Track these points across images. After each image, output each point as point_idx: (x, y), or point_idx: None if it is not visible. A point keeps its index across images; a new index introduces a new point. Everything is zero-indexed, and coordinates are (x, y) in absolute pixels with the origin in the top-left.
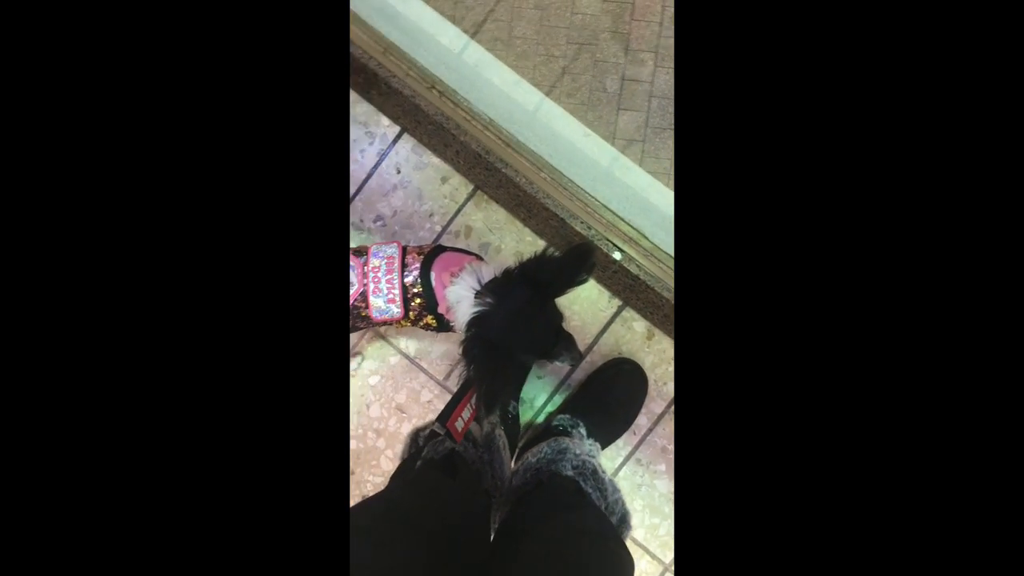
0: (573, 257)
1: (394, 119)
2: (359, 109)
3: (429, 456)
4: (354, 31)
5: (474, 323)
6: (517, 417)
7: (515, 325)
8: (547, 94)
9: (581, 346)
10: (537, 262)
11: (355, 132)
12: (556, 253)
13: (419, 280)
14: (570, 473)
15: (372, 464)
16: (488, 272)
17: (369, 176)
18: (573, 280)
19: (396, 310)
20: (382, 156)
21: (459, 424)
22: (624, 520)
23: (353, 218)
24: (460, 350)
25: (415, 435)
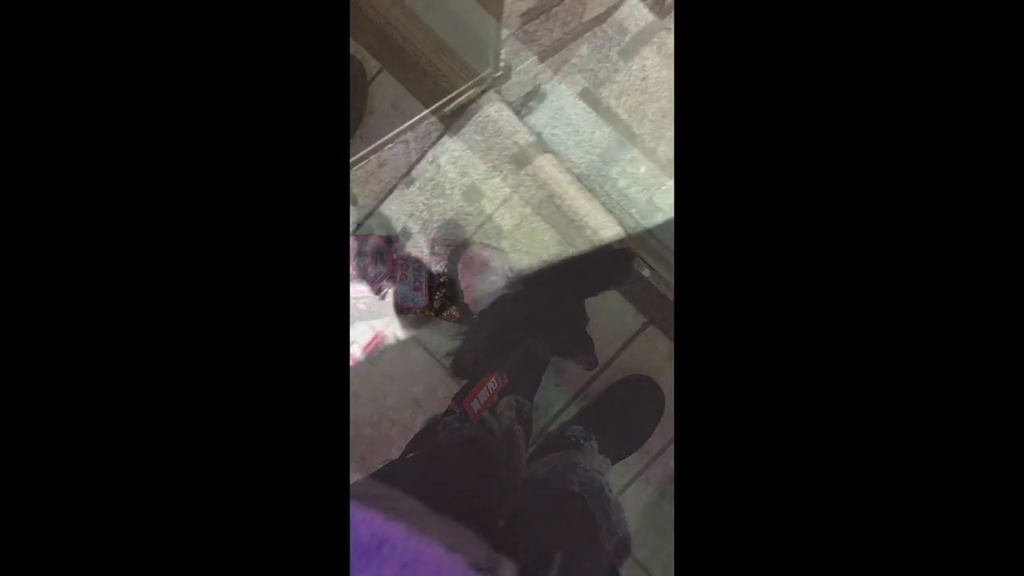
0: (612, 260)
1: None
2: None
3: (446, 438)
4: None
5: (499, 302)
6: (531, 420)
7: (540, 312)
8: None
9: (601, 358)
10: (575, 261)
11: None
12: (595, 255)
13: (445, 270)
14: (576, 489)
15: (384, 452)
16: (521, 263)
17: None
18: (608, 282)
19: (421, 298)
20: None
21: (475, 405)
22: (624, 543)
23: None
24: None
25: (433, 422)
